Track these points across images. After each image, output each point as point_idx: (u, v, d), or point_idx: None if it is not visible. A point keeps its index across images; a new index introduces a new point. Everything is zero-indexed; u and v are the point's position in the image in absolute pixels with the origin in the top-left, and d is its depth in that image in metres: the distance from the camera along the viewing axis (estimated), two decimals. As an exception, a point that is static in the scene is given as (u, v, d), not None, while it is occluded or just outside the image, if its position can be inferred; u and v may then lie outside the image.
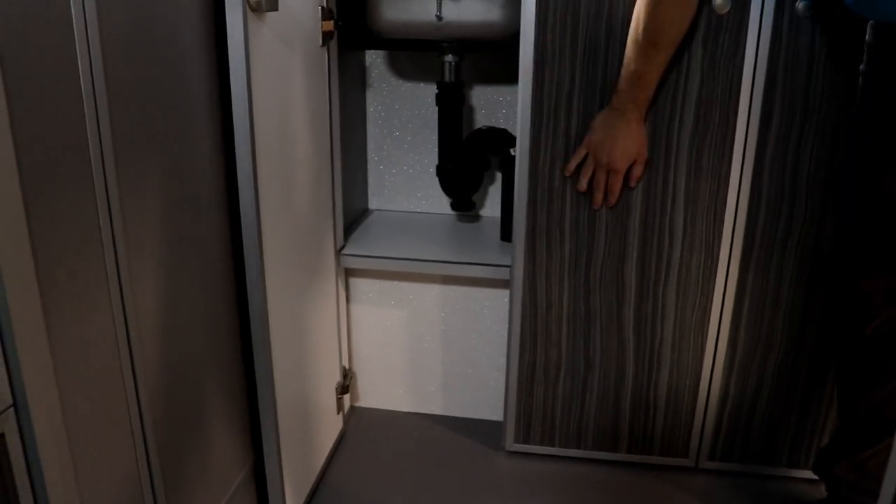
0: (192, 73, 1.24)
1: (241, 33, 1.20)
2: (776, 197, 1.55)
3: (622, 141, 1.50)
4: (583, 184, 1.56)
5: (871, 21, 1.22)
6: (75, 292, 0.94)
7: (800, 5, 1.43)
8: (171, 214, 1.19)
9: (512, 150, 1.68)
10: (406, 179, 2.16)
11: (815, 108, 1.48)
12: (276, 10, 1.29)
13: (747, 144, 1.52)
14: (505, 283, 1.80)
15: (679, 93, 1.51)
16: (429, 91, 2.06)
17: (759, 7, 1.45)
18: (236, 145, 1.26)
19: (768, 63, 1.47)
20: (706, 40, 1.47)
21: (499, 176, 2.04)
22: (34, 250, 0.84)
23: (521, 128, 1.58)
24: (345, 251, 1.88)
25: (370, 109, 2.12)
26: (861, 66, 1.26)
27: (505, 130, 1.95)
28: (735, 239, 1.59)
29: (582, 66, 1.52)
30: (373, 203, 2.21)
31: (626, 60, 1.44)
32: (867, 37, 1.24)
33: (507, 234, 1.89)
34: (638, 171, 1.55)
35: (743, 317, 1.64)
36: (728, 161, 1.54)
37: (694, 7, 1.40)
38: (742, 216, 1.57)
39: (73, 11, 0.91)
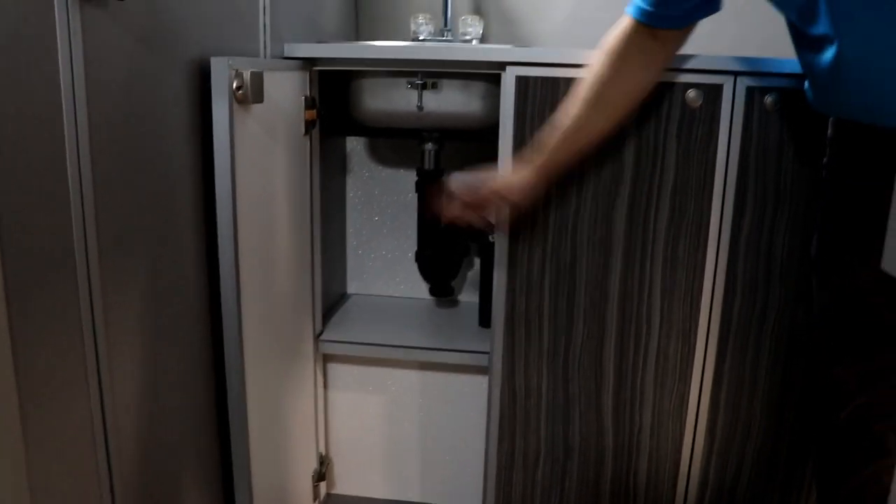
0: (178, 165, 1.25)
1: (227, 125, 1.22)
2: (751, 284, 1.57)
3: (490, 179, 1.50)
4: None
5: (831, 117, 1.27)
6: (53, 388, 0.93)
7: (768, 99, 1.48)
8: (153, 307, 1.19)
9: (491, 237, 1.70)
10: (385, 264, 2.17)
11: (786, 198, 1.52)
12: (262, 101, 1.31)
13: (721, 233, 1.55)
14: (484, 370, 1.80)
15: (655, 183, 1.54)
16: (408, 177, 2.09)
17: (730, 101, 1.49)
18: (219, 236, 1.27)
19: (740, 154, 1.51)
20: (680, 133, 1.51)
21: (477, 261, 2.06)
22: (13, 345, 0.83)
23: (499, 217, 1.60)
24: (323, 337, 1.88)
25: (350, 194, 2.14)
26: (824, 160, 1.30)
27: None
28: (711, 325, 1.60)
29: (560, 154, 1.55)
30: (351, 287, 2.21)
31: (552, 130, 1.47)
32: (828, 131, 1.28)
33: (485, 319, 1.90)
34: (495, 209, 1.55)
35: (721, 402, 1.65)
36: (703, 249, 1.56)
37: (630, 60, 1.42)
38: (718, 303, 1.59)
39: (63, 108, 0.93)
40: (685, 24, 1.38)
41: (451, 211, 1.51)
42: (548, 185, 1.52)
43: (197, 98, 1.29)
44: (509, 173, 1.51)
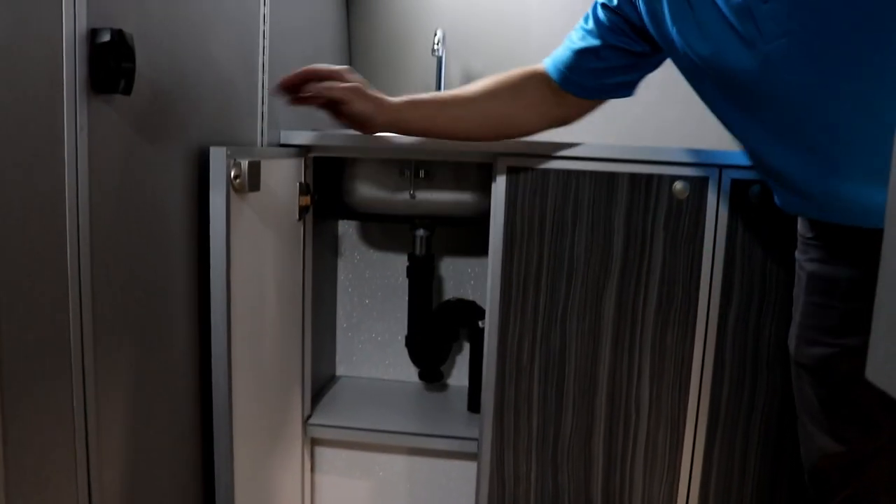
0: (174, 250, 1.27)
1: (224, 213, 1.24)
2: (739, 372, 1.58)
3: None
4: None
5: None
6: (43, 478, 0.93)
7: (752, 192, 1.51)
8: (144, 391, 1.19)
9: (480, 323, 1.72)
10: (375, 347, 2.18)
11: (772, 288, 1.54)
12: (258, 189, 1.34)
13: (709, 322, 1.57)
14: (472, 456, 1.79)
15: (643, 273, 1.56)
16: (399, 261, 2.11)
17: (716, 193, 1.53)
18: (212, 322, 1.28)
19: (726, 245, 1.54)
20: (667, 223, 1.54)
21: (467, 346, 2.07)
22: (4, 434, 0.83)
23: (490, 305, 1.62)
24: (312, 420, 1.87)
25: (341, 277, 2.16)
26: (796, 253, 1.33)
27: (473, 302, 1.99)
28: (700, 413, 1.61)
29: (550, 245, 1.58)
30: (341, 369, 2.21)
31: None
32: (798, 226, 1.31)
33: (474, 405, 1.90)
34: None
35: (711, 491, 1.64)
36: (691, 338, 1.58)
37: (528, 99, 1.45)
38: (706, 391, 1.60)
39: (66, 196, 0.95)
40: (594, 97, 1.44)
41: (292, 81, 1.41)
42: (383, 127, 1.42)
43: (195, 185, 1.31)
44: (366, 102, 1.39)
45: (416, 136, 1.48)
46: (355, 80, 1.41)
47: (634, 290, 1.58)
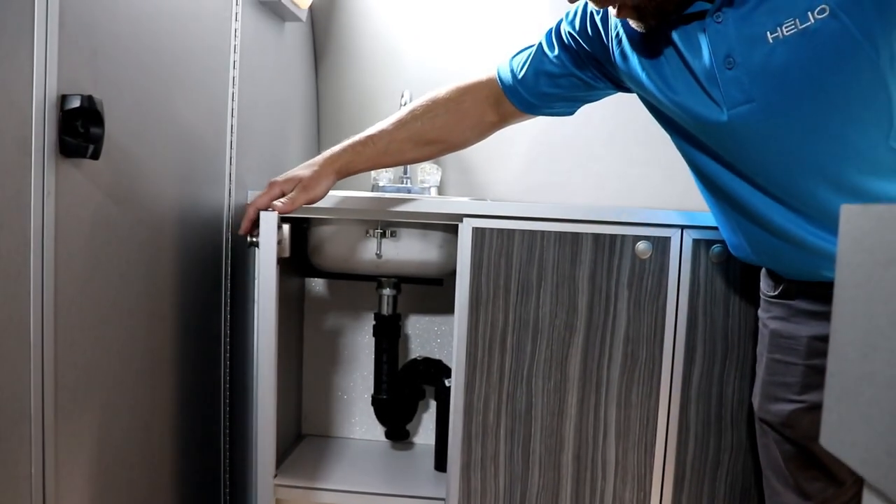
0: (143, 316, 1.27)
1: (274, 278, 1.26)
2: (704, 429, 1.60)
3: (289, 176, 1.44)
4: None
5: (762, 270, 1.33)
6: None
7: (713, 252, 1.55)
8: (108, 460, 1.17)
9: (447, 381, 1.72)
10: (341, 406, 2.17)
11: (735, 345, 1.57)
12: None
13: (674, 380, 1.59)
14: (440, 516, 1.78)
15: (608, 332, 1.58)
16: (366, 319, 2.11)
17: (678, 252, 1.56)
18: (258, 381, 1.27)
19: (689, 304, 1.57)
20: (631, 283, 1.57)
21: (433, 404, 2.06)
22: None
23: (456, 364, 1.62)
24: (277, 480, 1.85)
25: (307, 334, 2.15)
26: (758, 311, 1.36)
27: (440, 361, 1.99)
28: (666, 471, 1.62)
29: (515, 305, 1.59)
30: (307, 428, 2.19)
31: (366, 132, 1.47)
32: (761, 285, 1.35)
33: (441, 463, 1.89)
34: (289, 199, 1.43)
35: (678, 551, 1.64)
36: (656, 395, 1.59)
37: (468, 120, 1.49)
38: (672, 449, 1.61)
39: (31, 262, 0.95)
40: (534, 114, 1.46)
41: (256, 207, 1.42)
42: (332, 187, 1.48)
43: (162, 245, 1.32)
44: (312, 176, 1.43)
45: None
46: (286, 184, 1.43)
47: (599, 349, 1.59)
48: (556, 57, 1.37)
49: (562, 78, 1.38)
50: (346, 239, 1.77)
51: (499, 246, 1.58)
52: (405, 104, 2.02)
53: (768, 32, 1.04)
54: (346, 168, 1.46)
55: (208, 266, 1.55)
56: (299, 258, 1.86)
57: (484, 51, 2.15)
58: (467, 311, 1.60)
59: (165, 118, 1.32)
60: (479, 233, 1.59)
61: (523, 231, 1.57)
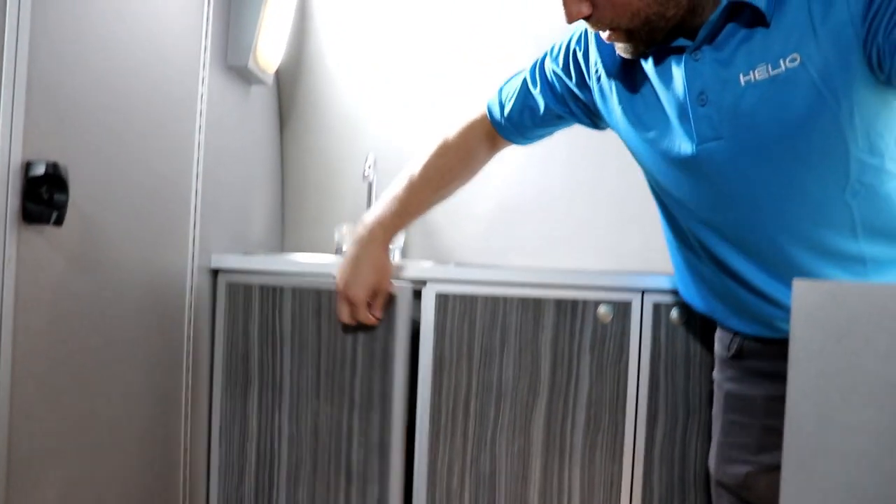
0: (103, 383, 1.25)
1: None
2: (667, 492, 1.60)
3: (361, 269, 1.48)
4: (342, 315, 1.54)
5: (717, 331, 1.35)
6: None
7: (673, 315, 1.56)
8: (63, 525, 1.15)
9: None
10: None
11: (696, 408, 1.58)
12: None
13: (636, 442, 1.59)
14: (403, 584, 1.75)
15: (570, 395, 1.59)
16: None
17: (639, 316, 1.57)
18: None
19: (650, 367, 1.58)
20: (593, 347, 1.58)
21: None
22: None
23: (419, 430, 1.62)
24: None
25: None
26: (714, 373, 1.37)
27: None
28: (630, 535, 1.61)
29: (478, 370, 1.60)
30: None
31: (395, 191, 1.50)
32: (715, 347, 1.36)
33: (405, 530, 1.86)
34: (379, 301, 1.53)
35: None
36: (619, 459, 1.59)
37: (475, 159, 1.52)
38: (636, 512, 1.61)
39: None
40: (523, 143, 1.50)
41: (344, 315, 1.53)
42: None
43: (124, 312, 1.31)
44: (377, 264, 1.50)
45: None
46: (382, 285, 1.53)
47: (562, 413, 1.59)
48: (539, 93, 1.39)
49: (545, 113, 1.40)
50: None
51: (462, 311, 1.59)
52: (369, 168, 2.04)
53: (741, 74, 1.07)
54: (392, 237, 1.53)
55: (171, 331, 1.54)
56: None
57: (447, 113, 2.18)
58: (431, 376, 1.60)
59: (131, 182, 1.32)
60: (442, 298, 1.59)
61: (486, 297, 1.58)
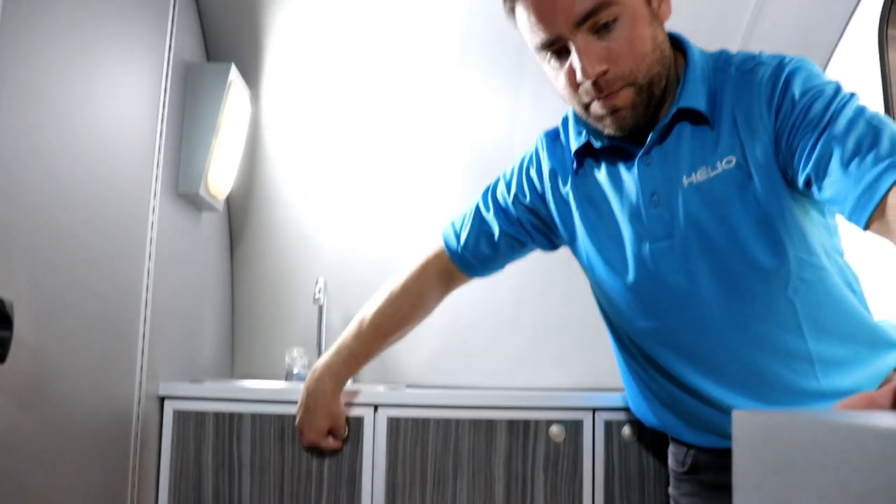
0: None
1: None
2: None
3: (314, 418, 1.53)
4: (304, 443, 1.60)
5: (670, 446, 1.36)
6: None
7: (625, 431, 1.57)
8: None
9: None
10: None
11: (653, 525, 1.57)
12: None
13: (593, 565, 1.57)
14: None
15: (525, 517, 1.57)
16: None
17: (591, 434, 1.58)
18: None
19: (605, 485, 1.58)
20: (546, 466, 1.57)
21: None
22: None
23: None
24: None
25: None
26: (669, 489, 1.37)
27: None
28: None
29: (432, 494, 1.58)
30: None
31: (345, 338, 1.51)
32: (669, 462, 1.37)
33: None
34: (331, 442, 1.58)
35: None
36: (576, 583, 1.57)
37: (428, 303, 1.52)
38: None
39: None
40: (479, 276, 1.48)
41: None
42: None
43: (69, 446, 1.27)
44: (331, 410, 1.54)
45: None
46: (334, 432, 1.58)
47: (518, 536, 1.57)
48: (493, 216, 1.39)
49: (500, 238, 1.39)
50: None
51: (413, 435, 1.58)
52: (320, 291, 2.05)
53: (684, 176, 1.11)
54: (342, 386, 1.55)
55: (115, 462, 1.50)
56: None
57: (398, 239, 2.21)
58: (383, 501, 1.57)
59: (79, 312, 1.31)
60: (394, 422, 1.58)
61: (438, 420, 1.58)
